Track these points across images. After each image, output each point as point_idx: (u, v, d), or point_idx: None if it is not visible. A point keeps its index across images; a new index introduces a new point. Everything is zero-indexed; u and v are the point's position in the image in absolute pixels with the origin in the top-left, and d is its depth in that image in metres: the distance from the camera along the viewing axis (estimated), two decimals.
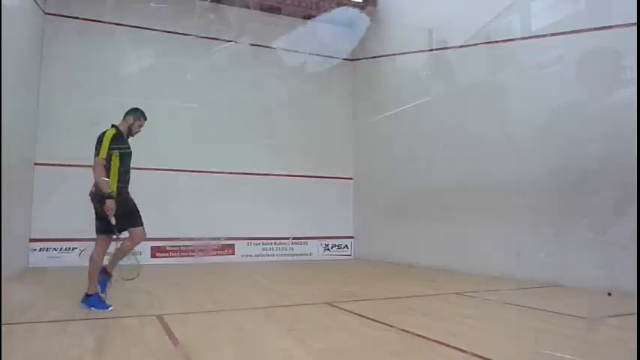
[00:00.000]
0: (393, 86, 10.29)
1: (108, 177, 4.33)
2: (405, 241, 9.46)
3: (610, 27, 5.67)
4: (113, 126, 4.52)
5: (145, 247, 9.63)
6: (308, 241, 11.03)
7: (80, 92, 9.19)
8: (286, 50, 10.15)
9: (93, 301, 4.42)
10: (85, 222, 9.72)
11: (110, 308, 4.39)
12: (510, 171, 6.96)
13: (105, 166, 4.31)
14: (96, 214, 4.47)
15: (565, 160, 6.21)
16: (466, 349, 3.02)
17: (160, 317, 4.06)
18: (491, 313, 4.64)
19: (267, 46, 10.26)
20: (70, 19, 9.35)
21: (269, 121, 10.38)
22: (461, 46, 7.99)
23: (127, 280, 4.78)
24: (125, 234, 4.60)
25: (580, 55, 6.06)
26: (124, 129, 4.57)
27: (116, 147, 4.36)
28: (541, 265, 6.28)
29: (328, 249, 11.33)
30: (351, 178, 11.83)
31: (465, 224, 7.85)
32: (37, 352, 3.00)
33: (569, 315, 4.34)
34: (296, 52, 10.44)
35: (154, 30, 9.73)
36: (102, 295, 4.53)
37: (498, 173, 7.23)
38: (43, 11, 9.05)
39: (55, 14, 9.26)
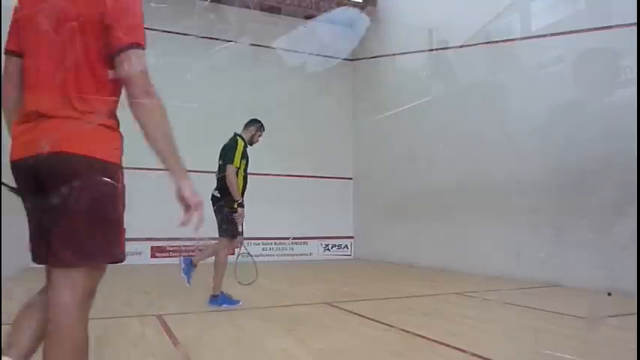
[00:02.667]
0: (393, 86, 10.29)
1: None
2: (405, 241, 9.46)
3: (610, 27, 5.67)
4: (239, 136, 4.79)
5: (145, 247, 9.65)
6: (308, 241, 11.03)
7: None
8: (286, 50, 10.15)
9: (221, 299, 4.60)
10: None
11: (240, 303, 4.59)
12: (510, 171, 6.96)
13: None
14: (220, 217, 4.66)
15: (565, 160, 6.21)
16: (466, 349, 3.02)
17: (159, 317, 4.06)
18: (491, 313, 4.64)
19: (267, 46, 10.26)
20: None
21: (269, 121, 10.33)
22: (461, 46, 7.99)
23: (243, 284, 4.99)
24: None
25: (580, 55, 6.05)
26: (246, 138, 4.82)
27: (244, 156, 4.69)
28: (541, 265, 6.28)
29: (328, 249, 11.34)
30: (351, 178, 11.84)
31: (464, 224, 7.85)
32: (37, 352, 3.00)
33: (569, 315, 4.34)
34: (296, 52, 10.45)
35: (154, 30, 9.72)
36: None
37: (498, 173, 7.23)
38: None
39: None
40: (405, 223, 9.41)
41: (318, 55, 10.88)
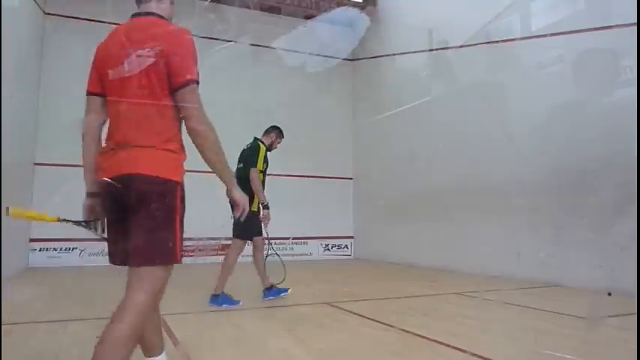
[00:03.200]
0: (393, 86, 10.29)
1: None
2: (405, 241, 9.46)
3: (610, 27, 5.67)
4: (260, 140, 4.99)
5: None
6: (308, 241, 11.03)
7: (80, 92, 9.14)
8: (286, 50, 10.14)
9: (221, 299, 4.66)
10: None
11: (240, 303, 4.68)
12: (510, 171, 6.96)
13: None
14: (239, 220, 4.63)
15: (565, 160, 6.21)
16: (466, 349, 3.02)
17: (159, 317, 4.06)
18: (491, 313, 4.64)
19: (267, 46, 10.25)
20: (70, 19, 9.35)
21: (269, 121, 10.36)
22: (461, 46, 7.99)
23: (275, 285, 5.03)
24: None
25: (580, 55, 6.05)
26: (266, 143, 5.03)
27: (264, 160, 4.90)
28: (541, 265, 6.28)
29: (328, 249, 11.33)
30: (351, 178, 11.83)
31: (465, 224, 7.85)
32: (37, 352, 3.00)
33: (569, 315, 4.34)
34: (296, 52, 10.44)
35: None
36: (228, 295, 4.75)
37: (498, 173, 7.23)
38: (43, 11, 9.05)
39: (55, 14, 9.26)
40: (405, 223, 9.41)
41: (318, 55, 10.88)
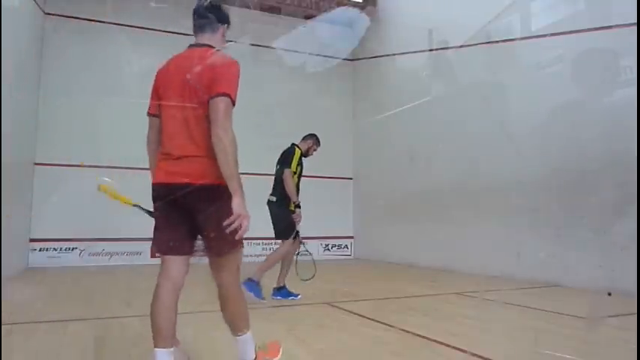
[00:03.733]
0: (393, 86, 10.29)
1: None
2: (405, 241, 9.46)
3: (610, 27, 5.67)
4: (297, 146, 5.29)
5: (145, 247, 9.63)
6: (308, 241, 11.01)
7: (80, 92, 9.19)
8: (286, 50, 10.14)
9: (285, 292, 5.05)
10: (85, 222, 9.76)
11: (300, 296, 5.05)
12: (510, 171, 6.96)
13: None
14: (277, 220, 5.16)
15: (565, 160, 6.21)
16: (466, 349, 3.02)
17: None
18: (491, 313, 4.64)
19: (267, 46, 10.25)
20: (70, 19, 9.35)
21: (269, 121, 10.37)
22: (461, 46, 7.99)
23: (303, 280, 5.29)
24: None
25: (580, 55, 6.05)
26: (303, 149, 5.32)
27: (299, 164, 5.21)
28: (541, 265, 6.28)
29: (328, 249, 11.33)
30: (351, 178, 11.83)
31: (465, 224, 7.84)
32: (37, 352, 3.00)
33: (569, 315, 4.34)
34: (296, 52, 10.44)
35: (154, 30, 9.73)
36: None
37: (498, 173, 7.23)
38: (43, 11, 9.05)
39: (55, 14, 9.26)
40: (405, 223, 9.41)
41: (318, 55, 10.88)
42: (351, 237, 11.58)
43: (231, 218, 2.00)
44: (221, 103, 2.08)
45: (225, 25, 2.43)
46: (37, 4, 8.54)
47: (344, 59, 11.36)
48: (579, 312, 4.37)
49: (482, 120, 7.59)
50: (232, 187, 2.03)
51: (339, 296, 5.45)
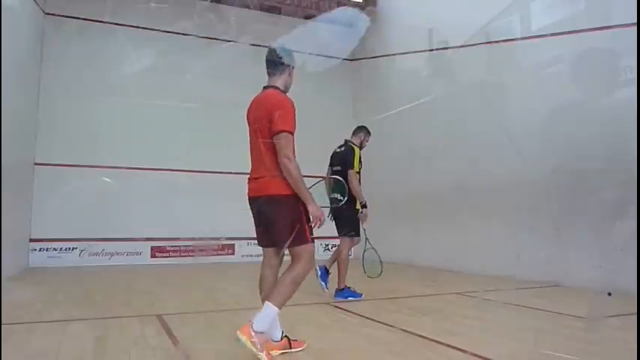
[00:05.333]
0: (393, 86, 10.29)
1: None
2: (405, 241, 9.45)
3: (610, 27, 5.67)
4: (351, 142, 5.40)
5: (144, 247, 9.65)
6: None
7: (80, 92, 9.20)
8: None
9: (347, 292, 5.13)
10: (85, 222, 9.74)
11: (362, 295, 5.15)
12: (510, 171, 6.96)
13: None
14: (342, 218, 5.25)
15: (565, 160, 6.21)
16: (466, 349, 3.02)
17: (159, 317, 4.06)
18: (491, 313, 4.64)
19: (267, 46, 10.22)
20: (70, 19, 9.35)
21: None
22: (461, 46, 7.99)
23: (371, 277, 5.54)
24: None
25: (580, 55, 6.05)
26: (357, 144, 5.40)
27: (360, 161, 5.35)
28: (541, 265, 6.28)
29: (328, 249, 11.32)
30: None
31: (464, 224, 7.84)
32: (37, 352, 3.00)
33: (569, 315, 4.34)
34: (296, 52, 10.42)
35: (154, 30, 9.73)
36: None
37: (498, 173, 7.23)
38: (43, 11, 9.05)
39: (55, 14, 9.26)
40: (405, 223, 9.40)
41: (318, 55, 10.87)
42: None
43: (312, 221, 2.71)
44: (283, 138, 2.71)
45: (292, 66, 3.15)
46: (37, 4, 8.54)
47: (344, 59, 11.35)
48: (579, 312, 4.37)
49: (482, 120, 7.59)
50: (303, 198, 2.71)
51: None
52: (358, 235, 5.24)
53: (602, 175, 5.52)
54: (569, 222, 6.01)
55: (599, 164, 5.63)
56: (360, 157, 5.29)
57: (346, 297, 5.06)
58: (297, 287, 2.72)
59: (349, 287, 5.18)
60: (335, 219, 5.21)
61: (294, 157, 2.76)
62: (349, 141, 5.39)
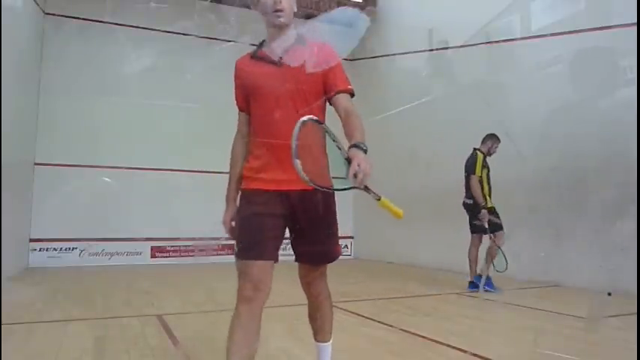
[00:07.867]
0: (393, 86, 10.29)
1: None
2: (405, 241, 9.45)
3: (610, 27, 5.67)
4: (478, 150, 5.84)
5: (144, 247, 9.65)
6: None
7: (80, 92, 9.19)
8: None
9: (487, 284, 5.64)
10: (85, 222, 9.73)
11: (500, 290, 5.57)
12: (510, 171, 6.95)
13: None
14: (471, 218, 5.90)
15: (565, 160, 6.21)
16: (466, 349, 3.02)
17: (159, 317, 4.06)
18: (491, 313, 4.64)
19: None
20: (70, 19, 9.35)
21: None
22: (461, 46, 7.99)
23: (499, 271, 5.65)
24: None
25: (580, 55, 6.05)
26: (484, 151, 5.83)
27: (484, 166, 5.78)
28: (541, 265, 6.27)
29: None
30: None
31: (465, 224, 7.82)
32: (37, 352, 3.00)
33: (569, 315, 4.34)
34: None
35: (154, 30, 9.72)
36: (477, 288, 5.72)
37: (498, 173, 7.21)
38: (43, 11, 9.05)
39: (55, 14, 9.26)
40: (405, 223, 9.34)
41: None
42: (351, 237, 11.57)
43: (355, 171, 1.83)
44: (348, 97, 2.36)
45: None
46: (37, 4, 8.54)
47: (344, 59, 11.33)
48: (579, 312, 4.36)
49: (482, 120, 7.58)
50: (359, 141, 2.18)
51: (339, 296, 5.43)
52: (484, 232, 5.75)
53: (603, 175, 5.52)
54: (569, 222, 6.00)
55: (599, 164, 5.63)
56: (483, 163, 5.75)
57: (477, 289, 5.61)
58: None
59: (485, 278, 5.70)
60: (469, 219, 5.96)
61: None
62: (477, 149, 5.86)
